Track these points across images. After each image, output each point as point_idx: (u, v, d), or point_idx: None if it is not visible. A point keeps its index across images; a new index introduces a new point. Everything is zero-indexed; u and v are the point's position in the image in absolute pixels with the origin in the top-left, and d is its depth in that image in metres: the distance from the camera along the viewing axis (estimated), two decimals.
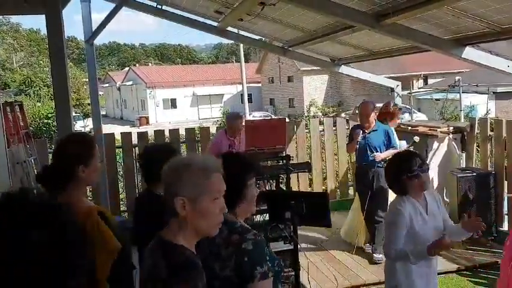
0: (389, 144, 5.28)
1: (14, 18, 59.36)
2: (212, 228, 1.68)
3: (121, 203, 6.88)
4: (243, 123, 5.69)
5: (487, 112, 16.64)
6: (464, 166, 6.10)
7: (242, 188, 2.01)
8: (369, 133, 5.28)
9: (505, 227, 5.73)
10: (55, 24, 4.73)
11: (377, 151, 5.21)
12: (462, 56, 4.47)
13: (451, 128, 6.18)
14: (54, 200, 1.29)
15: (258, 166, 2.14)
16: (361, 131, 5.28)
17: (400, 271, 2.81)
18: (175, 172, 1.66)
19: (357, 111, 5.56)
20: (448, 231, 2.84)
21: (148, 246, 1.73)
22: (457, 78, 13.83)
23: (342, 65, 7.23)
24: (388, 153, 5.10)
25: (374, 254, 5.14)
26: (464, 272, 4.78)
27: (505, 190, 5.66)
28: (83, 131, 25.90)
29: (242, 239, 1.89)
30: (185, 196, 1.61)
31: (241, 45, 21.02)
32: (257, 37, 7.45)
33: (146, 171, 2.94)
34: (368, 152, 5.22)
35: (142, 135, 6.78)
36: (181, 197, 1.61)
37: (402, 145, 5.55)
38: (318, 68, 21.06)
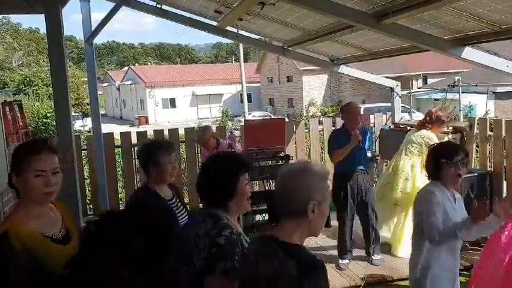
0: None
1: (14, 18, 59.36)
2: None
3: (120, 202, 6.88)
4: (211, 135, 5.71)
5: (486, 112, 16.65)
6: None
7: (234, 183, 2.08)
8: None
9: None
10: (55, 23, 4.72)
11: (366, 155, 5.04)
12: (461, 56, 4.46)
13: (450, 127, 6.18)
14: None
15: (249, 163, 2.21)
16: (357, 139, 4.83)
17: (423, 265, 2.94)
18: (310, 177, 1.75)
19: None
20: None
21: (255, 247, 1.81)
22: (456, 78, 13.83)
23: (342, 65, 7.23)
24: None
25: (372, 256, 5.11)
26: (463, 272, 4.77)
27: (504, 190, 5.67)
28: (82, 130, 25.93)
29: (218, 234, 1.97)
30: (316, 200, 1.73)
31: (241, 45, 21.03)
32: (257, 37, 7.44)
33: (146, 168, 2.95)
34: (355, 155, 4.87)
35: (141, 135, 6.78)
36: (313, 201, 1.72)
37: None
38: (318, 67, 21.06)
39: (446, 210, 2.84)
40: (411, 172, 5.46)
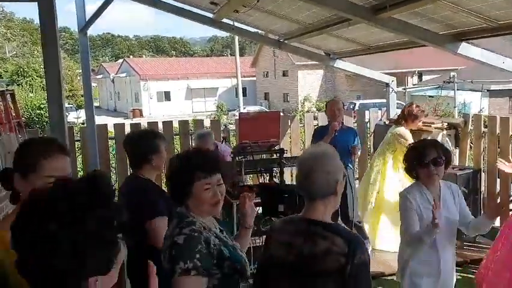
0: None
1: (7, 7, 58.67)
2: None
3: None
4: (212, 143, 5.38)
5: (481, 110, 16.71)
6: (456, 163, 6.11)
7: (188, 185, 1.98)
8: (339, 132, 4.93)
9: (496, 223, 5.76)
10: (48, 12, 4.64)
11: (348, 151, 4.97)
12: (458, 52, 4.46)
13: (445, 124, 6.18)
14: None
15: (211, 168, 2.02)
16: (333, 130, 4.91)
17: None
18: (335, 160, 1.95)
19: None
20: (471, 226, 2.94)
21: (292, 230, 1.95)
22: (452, 74, 13.85)
23: (338, 59, 7.20)
24: None
25: None
26: (456, 268, 4.79)
27: (498, 187, 5.69)
28: (76, 122, 25.78)
29: (178, 232, 1.90)
30: (340, 179, 1.94)
31: (236, 38, 20.93)
32: (253, 29, 7.39)
33: (131, 157, 2.89)
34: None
35: (135, 127, 6.73)
36: (339, 180, 1.94)
37: None
38: (313, 62, 21.03)
39: (420, 211, 2.85)
40: (382, 168, 5.58)
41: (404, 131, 5.40)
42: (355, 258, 1.79)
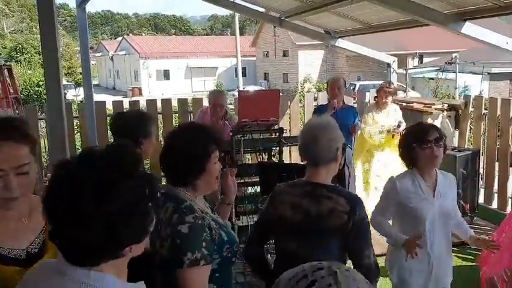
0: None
1: None
2: None
3: None
4: (225, 101, 5.44)
5: (480, 93, 16.62)
6: (455, 145, 6.10)
7: (204, 160, 1.91)
8: (339, 110, 4.91)
9: (494, 205, 5.79)
10: None
11: (348, 131, 4.95)
12: (461, 31, 4.39)
13: (446, 105, 6.15)
14: None
15: (221, 140, 2.04)
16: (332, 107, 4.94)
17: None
18: (336, 129, 2.16)
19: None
20: (454, 223, 2.80)
21: (301, 192, 2.13)
22: (453, 55, 13.74)
23: (339, 38, 7.12)
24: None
25: None
26: (453, 248, 4.81)
27: (496, 169, 5.70)
28: (74, 99, 25.63)
29: (180, 220, 1.79)
30: (340, 147, 2.15)
31: (237, 16, 20.66)
32: (254, 7, 7.29)
33: (122, 137, 2.79)
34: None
35: (134, 105, 6.68)
36: (340, 147, 2.15)
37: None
38: (314, 42, 20.81)
39: (409, 201, 2.64)
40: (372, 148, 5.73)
41: (371, 109, 5.63)
42: (355, 215, 2.02)
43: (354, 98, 7.37)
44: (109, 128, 6.75)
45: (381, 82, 6.56)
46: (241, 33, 39.51)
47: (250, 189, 5.51)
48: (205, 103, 7.83)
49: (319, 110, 5.28)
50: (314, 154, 2.12)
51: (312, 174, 2.15)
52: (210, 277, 1.81)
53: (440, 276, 2.73)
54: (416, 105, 6.26)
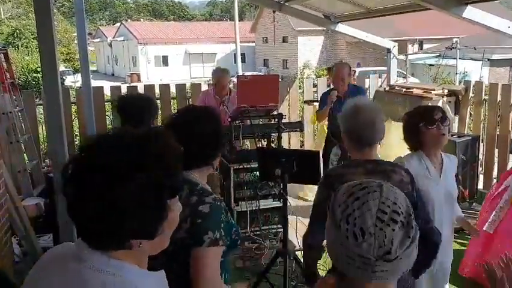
0: None
1: None
2: None
3: None
4: (229, 80, 5.44)
5: (480, 79, 16.53)
6: (455, 130, 6.08)
7: (219, 146, 1.96)
8: (345, 98, 4.78)
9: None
10: None
11: None
12: (462, 16, 4.34)
13: (446, 90, 6.12)
14: None
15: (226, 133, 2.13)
16: (336, 95, 4.95)
17: None
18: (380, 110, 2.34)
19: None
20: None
21: (363, 170, 2.18)
22: (454, 40, 13.64)
23: (339, 23, 7.05)
24: None
25: None
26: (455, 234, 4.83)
27: (496, 154, 5.69)
28: (72, 86, 25.51)
29: (200, 201, 1.82)
30: None
31: (236, 1, 20.45)
32: None
33: (126, 118, 2.81)
34: None
35: (132, 90, 6.63)
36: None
37: None
38: (314, 28, 20.65)
39: (416, 180, 2.60)
40: None
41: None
42: (415, 184, 2.24)
43: None
44: (107, 114, 6.75)
45: (380, 68, 6.51)
46: (241, 19, 39.17)
47: (249, 175, 5.52)
48: (204, 89, 7.81)
49: (322, 99, 5.27)
50: (372, 136, 2.25)
51: (367, 153, 2.28)
52: None
53: (443, 255, 2.74)
54: (415, 91, 6.22)
